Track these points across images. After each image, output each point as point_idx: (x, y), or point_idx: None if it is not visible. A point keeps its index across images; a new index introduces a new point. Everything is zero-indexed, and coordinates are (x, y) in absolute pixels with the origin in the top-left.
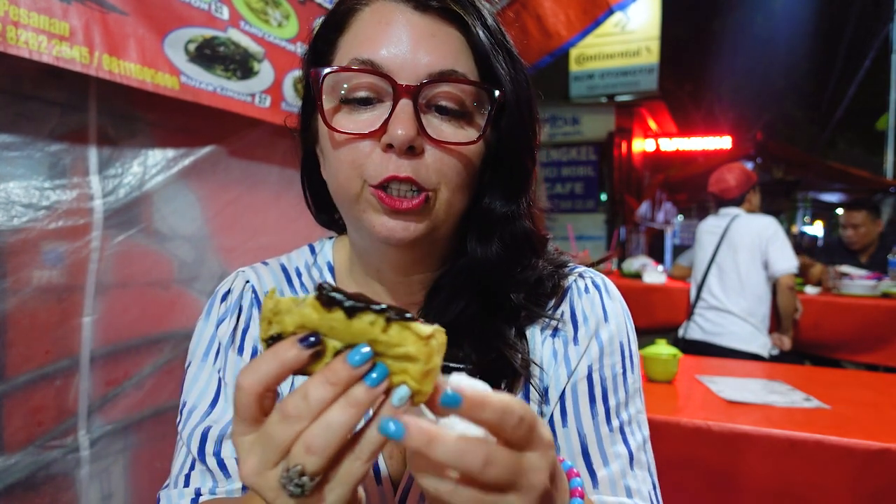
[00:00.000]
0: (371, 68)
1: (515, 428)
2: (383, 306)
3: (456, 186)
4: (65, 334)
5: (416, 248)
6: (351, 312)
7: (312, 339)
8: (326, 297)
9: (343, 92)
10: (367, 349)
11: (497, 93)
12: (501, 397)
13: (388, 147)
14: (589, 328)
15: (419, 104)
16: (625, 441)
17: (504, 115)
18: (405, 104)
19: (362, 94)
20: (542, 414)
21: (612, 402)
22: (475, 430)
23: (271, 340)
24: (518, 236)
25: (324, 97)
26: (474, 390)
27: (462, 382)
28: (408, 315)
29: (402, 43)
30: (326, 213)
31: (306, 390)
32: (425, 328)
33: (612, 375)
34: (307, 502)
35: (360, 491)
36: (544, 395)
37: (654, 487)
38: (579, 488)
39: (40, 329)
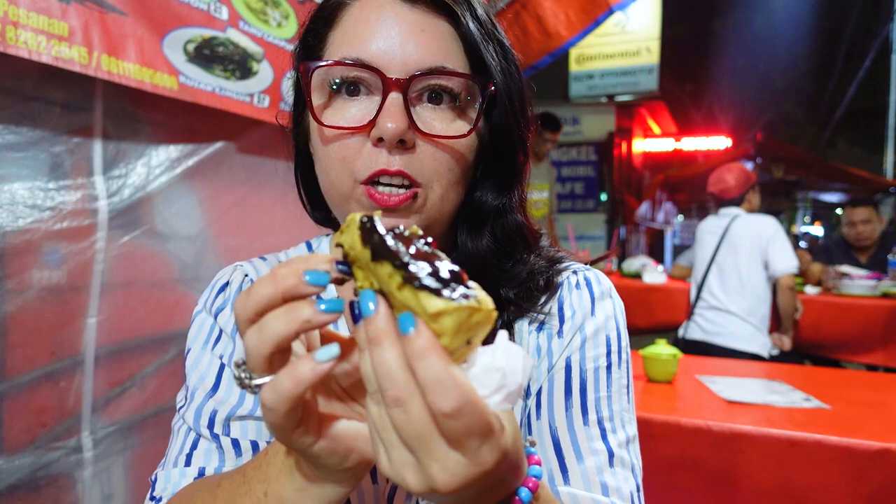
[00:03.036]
0: (360, 63)
1: (447, 417)
2: (405, 260)
3: (449, 182)
4: (69, 335)
5: None
6: (374, 255)
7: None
8: (365, 230)
9: (331, 88)
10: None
11: (488, 85)
12: (455, 371)
13: (379, 141)
14: (575, 322)
15: (409, 98)
16: (604, 437)
17: (496, 107)
18: (395, 97)
19: (351, 89)
20: (524, 408)
21: (590, 395)
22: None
23: (339, 246)
24: (509, 230)
25: (313, 93)
26: (431, 337)
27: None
28: (429, 283)
29: (391, 38)
30: (323, 211)
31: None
32: (435, 304)
33: (593, 368)
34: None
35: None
36: (526, 387)
37: (638, 490)
38: (534, 478)
39: (45, 330)
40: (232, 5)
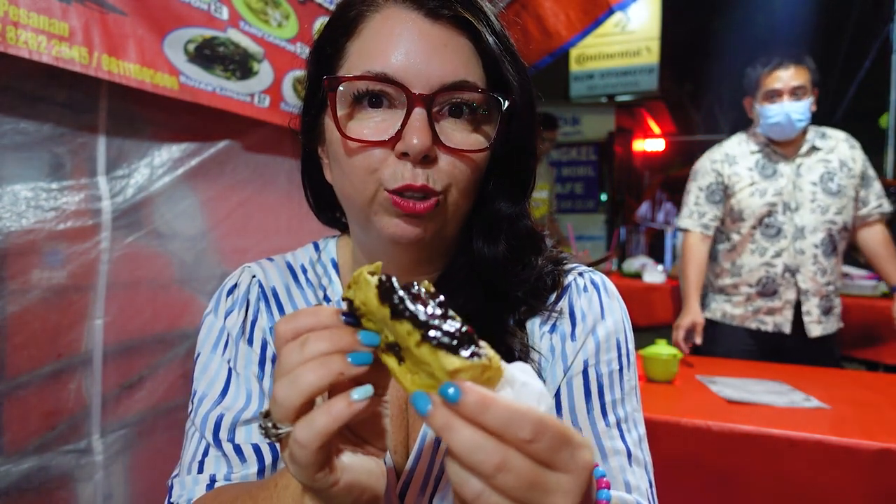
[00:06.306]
0: (385, 77)
1: (529, 443)
2: (424, 320)
3: (464, 189)
4: (76, 336)
5: (423, 247)
6: (394, 314)
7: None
8: (384, 290)
9: (354, 98)
10: (378, 337)
11: (507, 100)
12: (516, 404)
13: (403, 155)
14: (586, 325)
15: (432, 112)
16: (622, 437)
17: (513, 120)
18: (419, 113)
19: (373, 101)
20: None
21: (607, 398)
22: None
23: (347, 301)
24: (521, 235)
25: (337, 104)
26: (481, 389)
27: (514, 375)
28: (446, 341)
29: (414, 53)
30: (329, 212)
31: (306, 339)
32: (453, 362)
33: (608, 372)
34: (284, 450)
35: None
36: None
37: (651, 486)
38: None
39: (50, 331)
40: (232, 5)
